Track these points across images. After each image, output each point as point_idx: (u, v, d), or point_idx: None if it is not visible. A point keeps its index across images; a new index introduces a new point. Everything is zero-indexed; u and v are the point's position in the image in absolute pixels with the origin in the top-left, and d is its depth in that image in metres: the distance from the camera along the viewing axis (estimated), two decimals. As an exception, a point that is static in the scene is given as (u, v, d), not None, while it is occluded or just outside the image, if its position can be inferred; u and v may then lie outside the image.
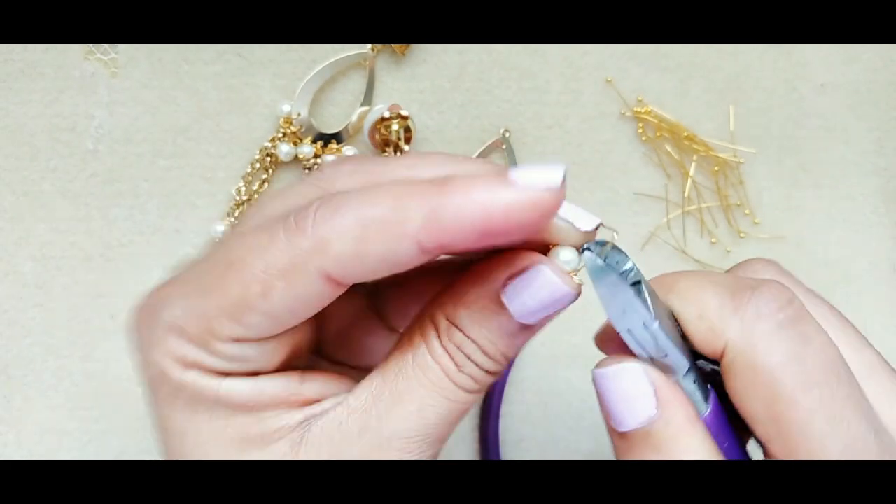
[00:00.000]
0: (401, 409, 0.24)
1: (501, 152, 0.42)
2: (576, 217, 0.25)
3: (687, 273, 0.27)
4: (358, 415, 0.24)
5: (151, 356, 0.25)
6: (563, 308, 0.25)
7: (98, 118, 0.40)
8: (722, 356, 0.24)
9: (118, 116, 0.40)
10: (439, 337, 0.24)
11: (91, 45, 0.40)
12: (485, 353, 0.25)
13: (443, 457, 0.42)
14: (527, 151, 0.42)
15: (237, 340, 0.24)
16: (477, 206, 0.21)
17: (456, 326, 0.24)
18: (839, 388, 0.23)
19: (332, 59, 0.40)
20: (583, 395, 0.42)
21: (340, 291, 0.24)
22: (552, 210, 0.22)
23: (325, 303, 0.24)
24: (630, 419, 0.25)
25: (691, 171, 0.42)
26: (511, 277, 0.24)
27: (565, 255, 0.24)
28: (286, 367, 0.26)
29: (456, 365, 0.24)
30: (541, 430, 0.42)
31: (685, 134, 0.42)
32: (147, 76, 0.40)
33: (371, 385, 0.25)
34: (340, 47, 0.41)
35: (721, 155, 0.42)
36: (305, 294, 0.23)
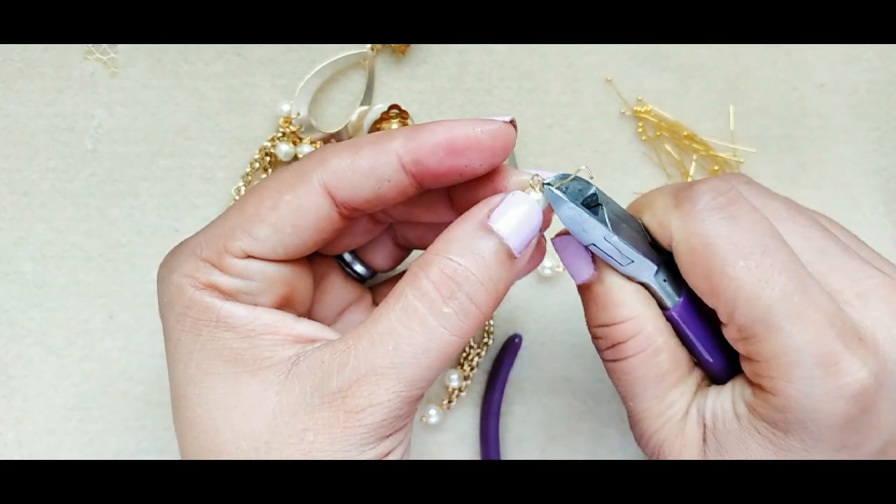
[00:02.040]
0: (379, 348, 0.26)
1: (501, 152, 0.42)
2: (538, 172, 0.29)
3: (653, 189, 0.32)
4: (339, 354, 0.27)
5: (171, 278, 0.28)
6: (538, 226, 0.28)
7: (97, 118, 0.40)
8: (672, 247, 0.29)
9: (118, 116, 0.40)
10: (428, 273, 0.27)
11: (90, 44, 0.40)
12: (477, 279, 0.27)
13: (443, 457, 0.42)
14: (527, 151, 0.42)
15: (248, 256, 0.28)
16: (444, 129, 0.28)
17: (447, 258, 0.27)
18: (764, 257, 0.27)
19: (332, 59, 0.40)
20: (583, 395, 0.42)
21: (340, 220, 0.29)
22: (502, 138, 0.28)
23: (324, 225, 0.29)
24: (577, 276, 0.30)
25: (691, 171, 0.42)
26: (492, 210, 0.28)
27: (528, 189, 0.29)
28: (283, 308, 0.30)
29: (442, 296, 0.27)
30: (541, 430, 0.42)
31: (685, 133, 0.42)
32: (146, 76, 0.40)
33: (357, 330, 0.27)
34: (340, 47, 0.41)
35: (721, 154, 0.42)
36: (308, 206, 0.28)
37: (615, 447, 0.42)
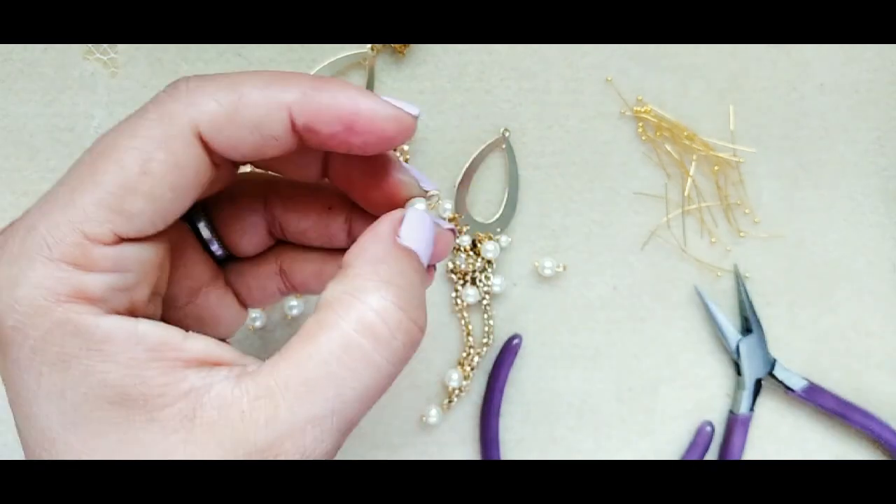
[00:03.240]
0: (316, 395, 0.23)
1: (502, 152, 0.42)
2: (420, 178, 0.28)
3: None
4: (263, 401, 0.22)
5: (14, 296, 0.22)
6: (433, 236, 0.27)
7: (97, 118, 0.40)
8: None
9: (118, 116, 0.40)
10: (368, 302, 0.24)
11: (90, 44, 0.40)
12: (417, 299, 0.25)
13: (443, 457, 0.42)
14: (527, 151, 0.42)
15: (120, 240, 0.23)
16: (348, 100, 0.24)
17: (386, 283, 0.24)
18: None
19: (332, 59, 0.40)
20: (583, 395, 0.42)
21: (214, 172, 0.24)
22: (405, 129, 0.25)
23: (203, 180, 0.24)
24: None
25: (691, 171, 0.42)
26: (397, 224, 0.26)
27: (419, 203, 0.28)
28: (153, 299, 0.25)
29: (390, 328, 0.24)
30: (541, 430, 0.42)
31: (685, 133, 0.42)
32: (146, 76, 0.40)
33: (275, 372, 0.23)
34: (340, 47, 0.41)
35: (721, 154, 0.42)
36: (185, 161, 0.23)
37: (615, 447, 0.42)
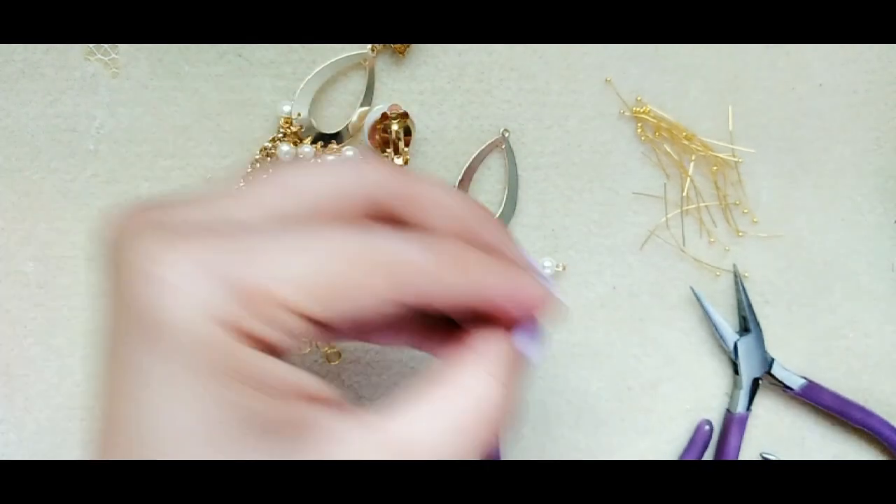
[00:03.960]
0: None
1: (501, 152, 0.42)
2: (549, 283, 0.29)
3: None
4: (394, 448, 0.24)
5: (165, 297, 0.21)
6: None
7: (99, 118, 0.40)
8: None
9: (119, 117, 0.40)
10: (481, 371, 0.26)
11: (92, 45, 0.40)
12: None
13: (443, 456, 0.42)
14: (526, 151, 0.42)
15: (294, 312, 0.22)
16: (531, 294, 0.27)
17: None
18: None
19: (333, 60, 0.40)
20: (583, 394, 0.42)
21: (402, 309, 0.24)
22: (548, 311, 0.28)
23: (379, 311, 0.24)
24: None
25: (690, 171, 0.42)
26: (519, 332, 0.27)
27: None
28: None
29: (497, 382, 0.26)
30: (541, 430, 0.42)
31: (684, 133, 0.42)
32: (148, 77, 0.40)
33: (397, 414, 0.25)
34: (340, 48, 0.41)
35: (720, 154, 0.43)
36: (368, 293, 0.23)
37: (614, 446, 0.42)
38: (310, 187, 0.25)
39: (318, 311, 0.22)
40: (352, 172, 0.25)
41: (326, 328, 0.23)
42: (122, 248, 0.22)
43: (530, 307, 0.27)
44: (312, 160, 0.40)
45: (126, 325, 0.22)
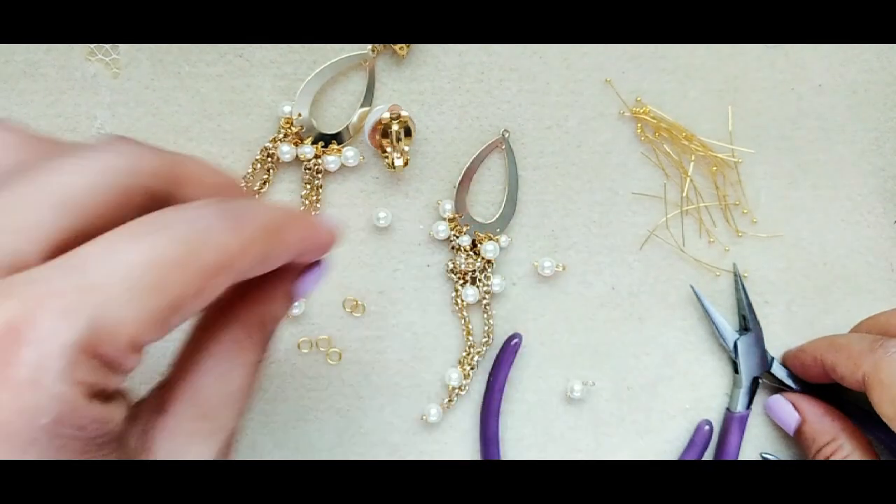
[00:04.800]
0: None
1: (501, 152, 0.42)
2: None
3: (839, 335, 0.42)
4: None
5: (41, 391, 0.19)
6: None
7: (100, 119, 0.40)
8: (863, 381, 0.37)
9: (120, 117, 0.40)
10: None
11: (93, 45, 0.40)
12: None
13: (443, 456, 0.42)
14: (526, 151, 0.42)
15: (142, 345, 0.21)
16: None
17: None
18: None
19: (333, 60, 0.40)
20: (583, 394, 0.42)
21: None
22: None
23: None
24: (789, 426, 0.42)
25: (690, 171, 0.43)
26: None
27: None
28: None
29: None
30: (541, 430, 0.42)
31: (684, 134, 0.42)
32: (148, 77, 0.40)
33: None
34: (341, 48, 0.41)
35: (719, 155, 0.43)
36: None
37: (614, 446, 0.42)
38: (78, 194, 0.22)
39: (159, 334, 0.22)
40: (119, 161, 0.23)
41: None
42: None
43: (327, 246, 0.28)
44: (312, 160, 0.40)
45: None
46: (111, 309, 0.20)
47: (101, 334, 0.20)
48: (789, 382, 0.42)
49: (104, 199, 0.22)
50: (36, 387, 0.19)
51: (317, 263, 0.29)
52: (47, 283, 0.20)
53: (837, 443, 0.39)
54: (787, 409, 0.41)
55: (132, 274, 0.20)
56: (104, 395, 0.21)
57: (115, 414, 0.21)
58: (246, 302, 0.27)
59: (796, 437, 0.41)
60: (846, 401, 0.41)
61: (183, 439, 0.25)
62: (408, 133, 0.40)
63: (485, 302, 0.41)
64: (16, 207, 0.21)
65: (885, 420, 0.36)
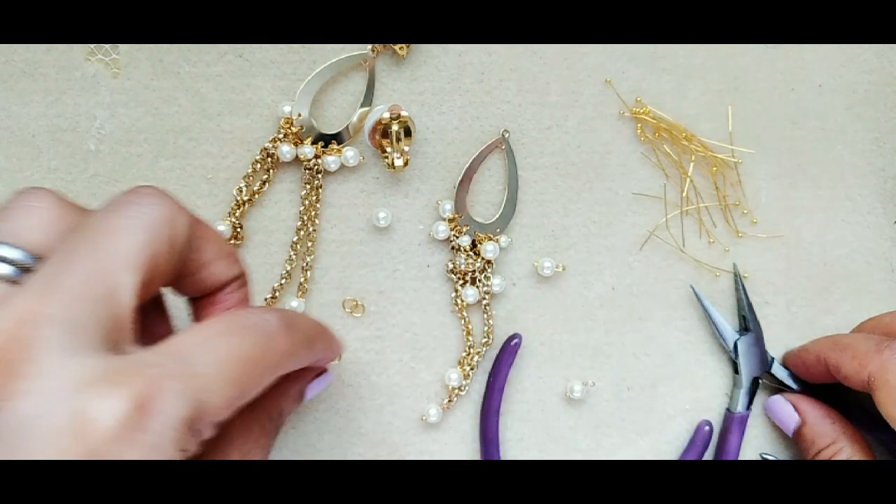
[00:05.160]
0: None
1: (501, 153, 0.42)
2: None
3: (843, 335, 0.42)
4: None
5: (157, 453, 0.23)
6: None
7: (99, 119, 0.40)
8: (868, 381, 0.36)
9: (119, 117, 0.40)
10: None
11: (92, 45, 0.40)
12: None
13: (442, 456, 0.42)
14: (526, 152, 0.42)
15: (219, 424, 0.26)
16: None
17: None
18: None
19: (333, 60, 0.40)
20: (583, 394, 0.42)
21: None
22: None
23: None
24: (788, 428, 0.41)
25: (690, 171, 0.43)
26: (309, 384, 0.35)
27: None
28: None
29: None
30: (541, 430, 0.42)
31: (684, 134, 0.42)
32: (148, 77, 0.40)
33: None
34: (341, 48, 0.41)
35: (719, 155, 0.43)
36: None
37: (615, 447, 0.42)
38: (145, 248, 0.26)
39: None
40: (163, 214, 0.27)
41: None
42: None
43: (335, 356, 0.34)
44: (312, 160, 0.40)
45: None
46: (208, 393, 0.24)
47: (200, 412, 0.24)
48: (789, 383, 0.42)
49: (160, 251, 0.27)
50: (154, 450, 0.23)
51: (324, 371, 0.35)
52: (163, 368, 0.24)
53: (838, 445, 0.39)
54: (788, 409, 0.41)
55: (223, 368, 0.25)
56: None
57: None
58: (264, 398, 0.30)
59: (795, 439, 0.41)
60: (847, 401, 0.41)
61: None
62: (408, 133, 0.40)
63: (485, 302, 0.41)
64: (102, 274, 0.25)
65: (889, 421, 0.36)
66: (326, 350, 0.33)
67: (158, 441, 0.23)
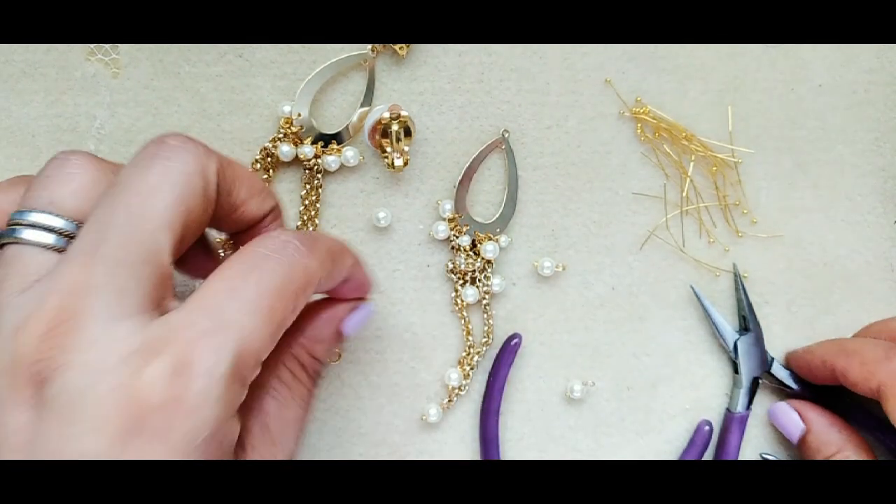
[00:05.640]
0: None
1: (501, 152, 0.42)
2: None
3: (849, 340, 0.41)
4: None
5: (205, 412, 0.24)
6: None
7: (99, 119, 0.40)
8: (878, 390, 0.36)
9: (119, 117, 0.40)
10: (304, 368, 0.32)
11: (92, 45, 0.40)
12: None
13: (442, 456, 0.42)
14: (526, 151, 0.42)
15: (262, 361, 0.26)
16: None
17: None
18: None
19: (333, 60, 0.40)
20: (583, 394, 0.42)
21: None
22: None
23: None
24: (793, 436, 0.41)
25: (690, 171, 0.43)
26: (346, 314, 0.34)
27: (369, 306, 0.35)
28: None
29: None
30: (541, 430, 0.42)
31: (684, 134, 0.42)
32: (148, 77, 0.40)
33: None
34: (341, 48, 0.41)
35: (719, 155, 0.43)
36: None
37: (615, 447, 0.42)
38: (181, 197, 0.27)
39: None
40: (197, 161, 0.27)
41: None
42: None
43: (368, 283, 0.34)
44: (312, 160, 0.40)
45: None
46: (245, 339, 0.25)
47: (242, 360, 0.25)
48: (789, 383, 0.42)
49: (193, 205, 0.27)
50: (201, 410, 0.24)
51: (361, 301, 0.34)
52: (195, 326, 0.24)
53: (844, 454, 0.39)
54: (793, 417, 0.41)
55: (254, 308, 0.25)
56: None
57: (237, 429, 0.26)
58: (296, 345, 0.32)
59: (799, 446, 0.41)
60: (850, 403, 0.41)
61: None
62: (408, 133, 0.40)
63: (485, 302, 0.41)
64: (140, 237, 0.25)
65: None
66: (354, 266, 0.32)
67: (203, 402, 0.24)
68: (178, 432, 0.23)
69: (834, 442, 0.39)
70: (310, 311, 0.33)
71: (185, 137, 0.28)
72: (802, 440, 0.40)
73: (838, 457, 0.39)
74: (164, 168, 0.26)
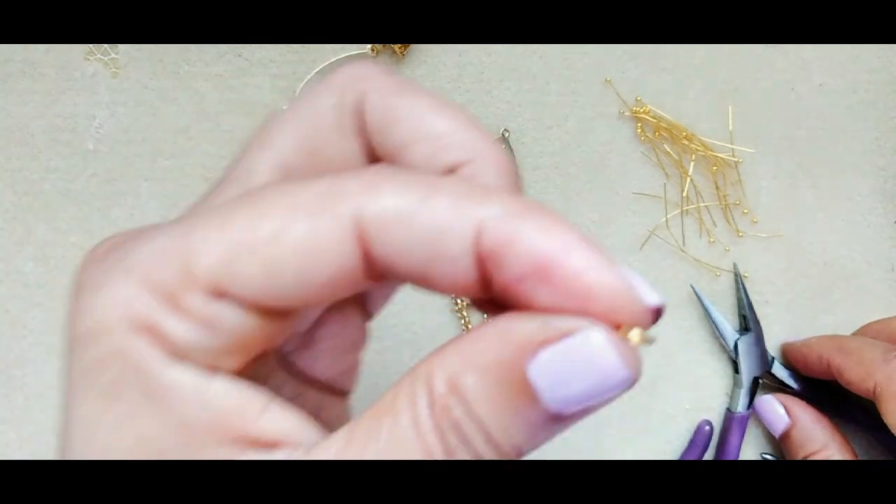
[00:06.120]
0: None
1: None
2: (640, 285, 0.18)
3: (848, 337, 0.41)
4: None
5: (93, 301, 0.19)
6: (615, 397, 0.19)
7: (98, 118, 0.40)
8: (874, 391, 0.36)
9: (119, 117, 0.40)
10: (431, 404, 0.18)
11: (92, 45, 0.40)
12: (490, 441, 0.19)
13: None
14: (526, 151, 0.42)
15: (217, 294, 0.18)
16: (556, 239, 0.17)
17: (458, 395, 0.18)
18: None
19: (332, 60, 0.40)
20: (582, 394, 0.42)
21: (362, 280, 0.18)
22: (623, 311, 0.18)
23: (344, 283, 0.18)
24: (777, 430, 0.41)
25: (690, 171, 0.42)
26: (545, 343, 0.17)
27: (599, 334, 0.18)
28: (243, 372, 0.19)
29: (445, 448, 0.19)
30: (540, 429, 0.42)
31: (684, 134, 0.42)
32: (147, 77, 0.40)
33: (330, 451, 0.19)
34: (340, 47, 0.41)
35: (720, 154, 0.43)
36: (326, 247, 0.17)
37: (614, 445, 0.42)
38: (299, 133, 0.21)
39: (229, 283, 0.18)
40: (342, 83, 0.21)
41: (277, 316, 0.19)
42: (81, 268, 0.20)
43: (595, 301, 0.17)
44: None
45: (68, 340, 0.20)
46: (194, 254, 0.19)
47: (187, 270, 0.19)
48: (790, 382, 0.42)
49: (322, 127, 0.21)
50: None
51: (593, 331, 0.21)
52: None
53: (827, 451, 0.39)
54: (778, 410, 0.41)
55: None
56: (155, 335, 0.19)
57: (154, 363, 0.19)
58: None
59: (781, 440, 0.41)
60: (846, 399, 0.41)
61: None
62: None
63: (485, 302, 0.41)
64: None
65: (894, 432, 0.36)
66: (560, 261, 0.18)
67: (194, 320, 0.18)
68: None
69: (818, 438, 0.39)
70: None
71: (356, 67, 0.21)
72: (786, 434, 0.41)
73: (822, 454, 0.39)
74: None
